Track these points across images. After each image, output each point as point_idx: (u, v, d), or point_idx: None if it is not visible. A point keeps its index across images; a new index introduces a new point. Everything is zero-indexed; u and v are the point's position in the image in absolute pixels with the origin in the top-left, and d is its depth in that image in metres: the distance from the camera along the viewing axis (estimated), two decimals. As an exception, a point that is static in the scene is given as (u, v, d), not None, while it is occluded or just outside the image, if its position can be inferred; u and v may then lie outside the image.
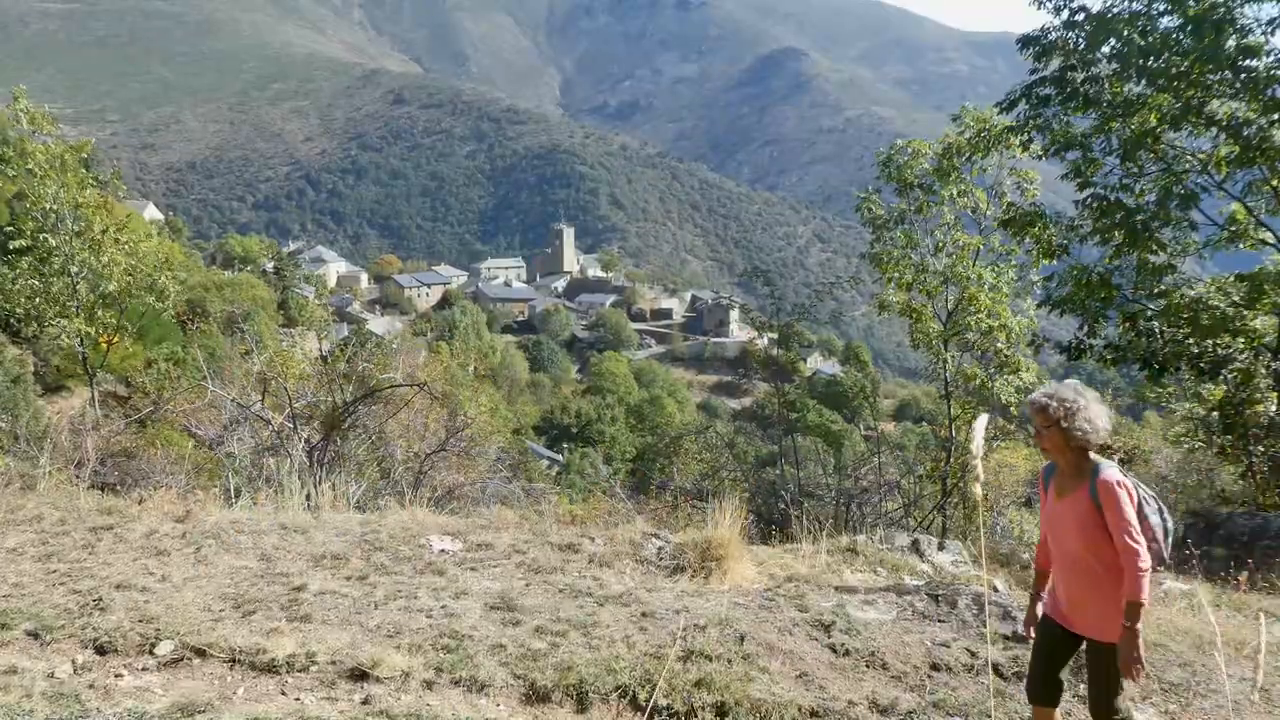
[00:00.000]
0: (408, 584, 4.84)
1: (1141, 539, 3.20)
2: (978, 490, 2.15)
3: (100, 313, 14.48)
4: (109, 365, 19.93)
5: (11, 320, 17.06)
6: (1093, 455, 3.36)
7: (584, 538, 5.78)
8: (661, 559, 5.48)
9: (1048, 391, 3.36)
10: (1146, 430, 13.61)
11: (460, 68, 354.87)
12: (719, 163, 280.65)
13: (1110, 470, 3.31)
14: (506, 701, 3.67)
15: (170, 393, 13.54)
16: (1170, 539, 3.41)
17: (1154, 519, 3.32)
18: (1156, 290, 9.34)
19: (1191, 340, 8.93)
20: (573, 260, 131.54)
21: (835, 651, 4.22)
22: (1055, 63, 9.39)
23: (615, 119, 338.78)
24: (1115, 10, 9.00)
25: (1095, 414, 3.32)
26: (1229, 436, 8.78)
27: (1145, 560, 3.16)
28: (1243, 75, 8.32)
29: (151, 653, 3.86)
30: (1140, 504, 3.31)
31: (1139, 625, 3.16)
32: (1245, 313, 8.72)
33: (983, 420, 2.17)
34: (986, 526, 9.60)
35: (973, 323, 10.33)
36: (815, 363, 71.85)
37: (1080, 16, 9.14)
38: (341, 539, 5.58)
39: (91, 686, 3.58)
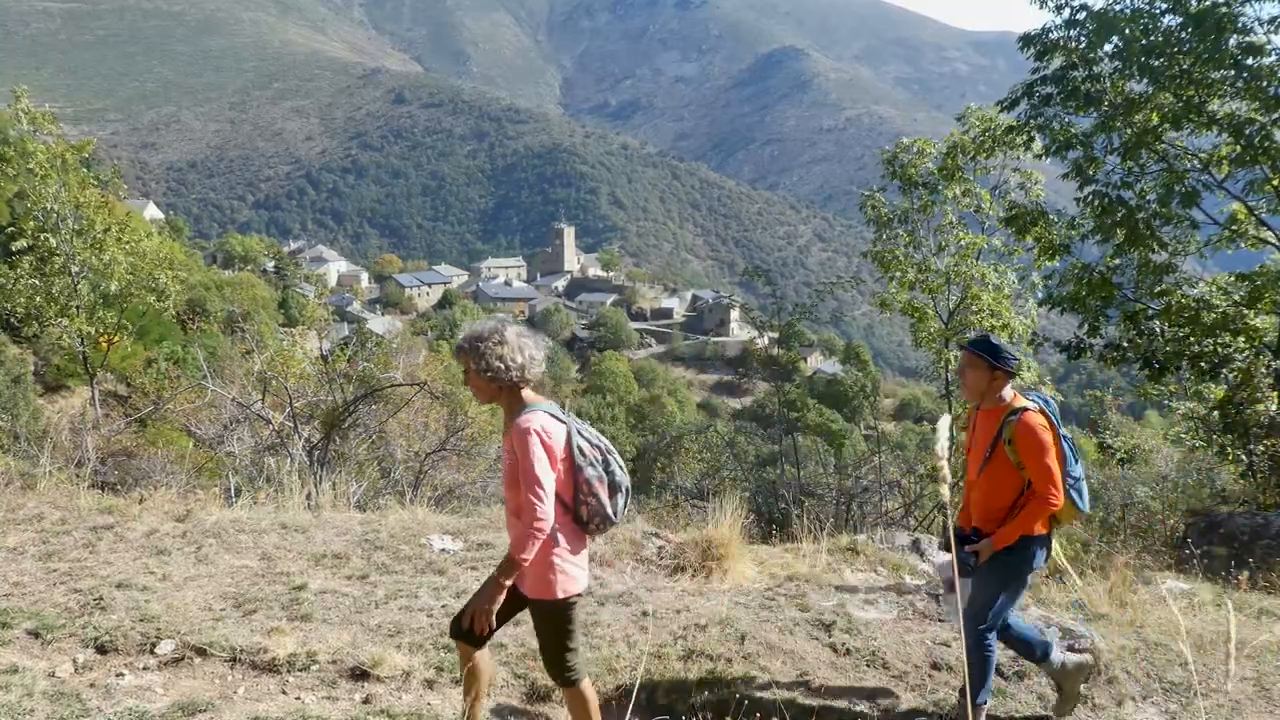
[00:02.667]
0: (408, 583, 4.84)
1: (545, 492, 2.89)
2: (944, 491, 2.14)
3: (101, 312, 14.49)
4: (109, 365, 19.94)
5: (12, 320, 17.06)
6: (528, 397, 3.08)
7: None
8: (662, 558, 5.48)
9: (466, 332, 3.10)
10: (1147, 430, 13.60)
11: (460, 67, 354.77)
12: (719, 162, 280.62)
13: (530, 415, 2.99)
14: (507, 701, 3.67)
15: (170, 392, 13.56)
16: (623, 497, 3.11)
17: (589, 471, 3.02)
18: (1157, 289, 9.34)
19: (1192, 339, 8.93)
20: (573, 259, 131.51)
21: (836, 651, 4.22)
22: (1057, 61, 9.39)
23: (615, 118, 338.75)
24: (1116, 9, 9.00)
25: (513, 350, 3.02)
26: (1229, 436, 8.77)
27: (543, 517, 2.88)
28: (1244, 74, 8.31)
29: (152, 652, 3.86)
30: (574, 454, 3.01)
31: (506, 581, 2.92)
32: (1246, 312, 8.72)
33: (945, 420, 2.16)
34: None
35: (975, 321, 10.33)
36: (815, 362, 71.88)
37: (1082, 15, 9.14)
38: (342, 538, 5.58)
39: (92, 686, 3.58)
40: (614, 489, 3.08)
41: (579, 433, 3.06)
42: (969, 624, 3.72)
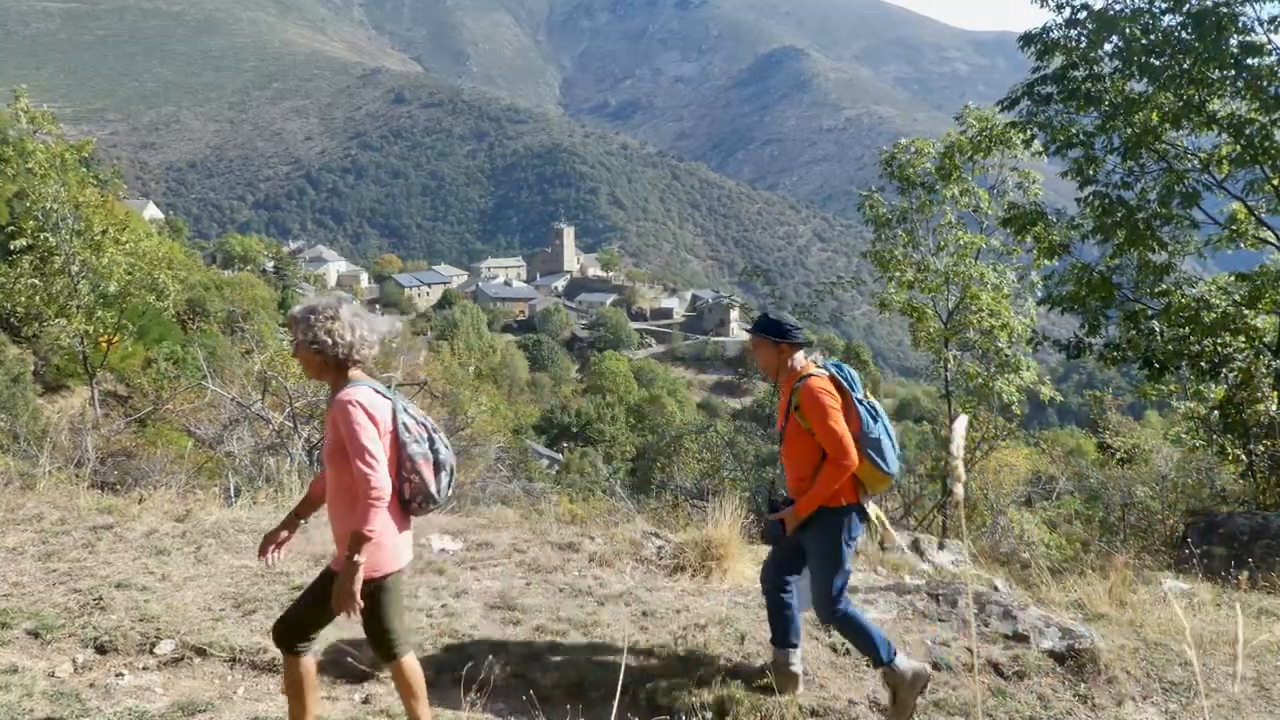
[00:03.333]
0: (408, 583, 4.84)
1: (378, 463, 2.89)
2: (959, 491, 2.13)
3: (100, 312, 14.48)
4: (109, 365, 19.93)
5: (11, 319, 17.06)
6: (355, 375, 3.08)
7: (584, 537, 5.78)
8: (661, 558, 5.48)
9: (303, 304, 3.11)
10: (1147, 429, 13.60)
11: (460, 67, 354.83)
12: (719, 162, 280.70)
13: (352, 389, 2.99)
14: (506, 701, 3.67)
15: (170, 392, 13.55)
16: (448, 476, 3.12)
17: (414, 448, 3.02)
18: (1157, 289, 9.34)
19: (1192, 339, 8.93)
20: (573, 259, 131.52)
21: (835, 651, 4.22)
22: (1057, 60, 9.39)
23: (615, 118, 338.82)
24: (1117, 8, 9.01)
25: (343, 327, 3.01)
26: (1229, 436, 8.77)
27: (378, 485, 2.87)
28: (1244, 74, 8.32)
29: (152, 652, 3.86)
30: (399, 430, 3.00)
31: (360, 558, 2.89)
32: (1246, 312, 8.72)
33: (963, 421, 2.16)
34: (987, 526, 9.60)
35: (974, 321, 10.33)
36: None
37: (1082, 14, 9.15)
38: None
39: (92, 686, 3.58)
40: (439, 467, 3.08)
41: (404, 410, 3.06)
42: (821, 607, 3.79)
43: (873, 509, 3.89)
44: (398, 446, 3.02)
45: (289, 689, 3.17)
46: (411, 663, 3.19)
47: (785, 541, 3.84)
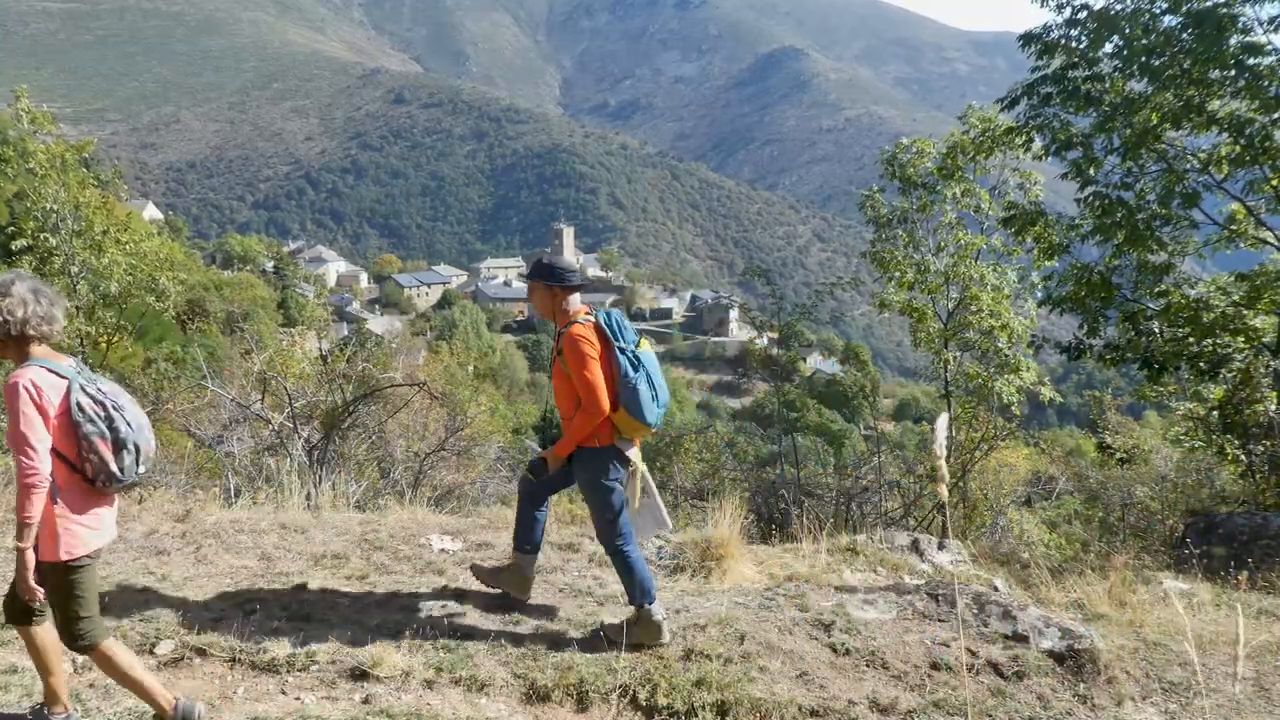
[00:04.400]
0: (408, 583, 4.84)
1: (36, 449, 2.87)
2: (943, 491, 2.14)
3: (100, 312, 14.47)
4: (109, 365, 19.93)
5: (11, 320, 17.04)
6: (35, 352, 3.04)
7: (584, 537, 5.78)
8: (661, 558, 5.48)
9: None
10: (1147, 430, 13.60)
11: (460, 67, 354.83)
12: (719, 162, 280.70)
13: (21, 370, 2.96)
14: (507, 701, 3.67)
15: (170, 392, 13.53)
16: (132, 454, 3.07)
17: (88, 428, 2.98)
18: (1157, 289, 9.34)
19: (1191, 340, 8.93)
20: (573, 260, 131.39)
21: (835, 651, 4.22)
22: (1057, 61, 9.39)
23: (615, 118, 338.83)
24: (1117, 8, 9.01)
25: (15, 303, 2.98)
26: (1229, 436, 8.77)
27: (33, 473, 2.85)
28: (1244, 74, 8.32)
29: (152, 652, 3.86)
30: (71, 410, 2.96)
31: (27, 545, 2.90)
32: (1245, 312, 8.72)
33: (944, 419, 2.16)
34: (986, 526, 9.60)
35: (974, 322, 10.33)
36: (815, 362, 71.83)
37: (1082, 14, 9.15)
38: (341, 538, 5.58)
39: (92, 686, 3.58)
40: (119, 445, 3.04)
41: (82, 389, 3.02)
42: (600, 539, 4.12)
43: (634, 454, 4.11)
44: (72, 427, 2.98)
45: (35, 661, 3.21)
46: (113, 647, 3.17)
47: (550, 476, 4.20)
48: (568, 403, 4.03)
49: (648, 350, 4.10)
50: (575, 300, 4.12)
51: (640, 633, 4.03)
